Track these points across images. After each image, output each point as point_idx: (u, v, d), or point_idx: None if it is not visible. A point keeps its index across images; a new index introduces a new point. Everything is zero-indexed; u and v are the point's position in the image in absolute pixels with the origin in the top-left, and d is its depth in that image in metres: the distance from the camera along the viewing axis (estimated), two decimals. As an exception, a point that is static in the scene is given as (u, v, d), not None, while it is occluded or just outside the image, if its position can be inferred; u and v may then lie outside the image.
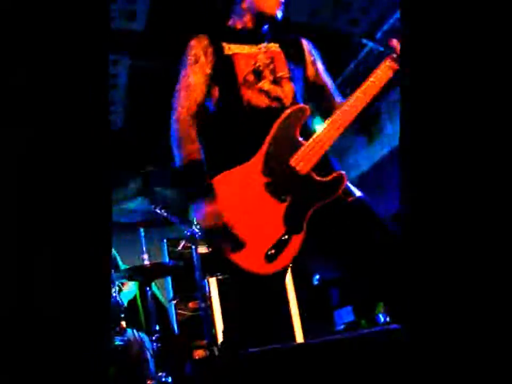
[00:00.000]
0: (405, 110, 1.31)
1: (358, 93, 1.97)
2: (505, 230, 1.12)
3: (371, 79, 1.98)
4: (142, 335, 3.80)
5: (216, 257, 2.04)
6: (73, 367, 1.20)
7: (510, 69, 1.14)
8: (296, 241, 1.88)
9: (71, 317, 1.23)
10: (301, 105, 2.02)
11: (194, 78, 2.08)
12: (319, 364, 1.49)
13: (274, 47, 2.16)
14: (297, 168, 1.92)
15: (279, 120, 1.96)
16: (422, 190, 1.24)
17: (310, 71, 2.25)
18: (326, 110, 2.21)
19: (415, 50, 1.27)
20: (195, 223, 3.36)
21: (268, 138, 1.95)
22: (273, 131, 1.95)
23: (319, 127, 1.99)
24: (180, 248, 4.80)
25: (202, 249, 4.27)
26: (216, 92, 2.10)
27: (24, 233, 1.22)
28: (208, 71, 2.10)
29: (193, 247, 3.81)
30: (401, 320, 1.84)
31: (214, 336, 3.94)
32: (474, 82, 1.19)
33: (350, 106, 1.96)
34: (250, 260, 1.87)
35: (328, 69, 2.32)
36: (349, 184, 2.03)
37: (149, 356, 3.57)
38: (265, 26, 2.18)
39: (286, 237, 1.87)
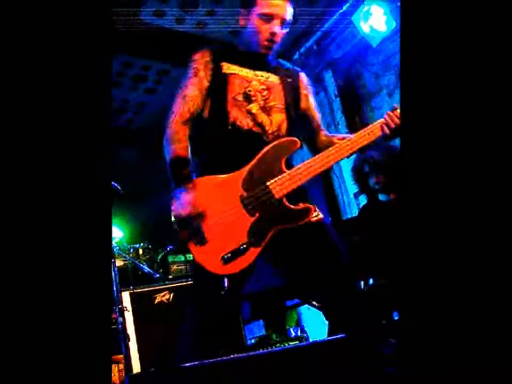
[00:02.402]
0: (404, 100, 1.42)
1: (347, 141, 2.20)
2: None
3: (365, 131, 2.20)
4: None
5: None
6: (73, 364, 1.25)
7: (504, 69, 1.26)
8: (252, 254, 2.08)
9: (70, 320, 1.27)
10: (294, 138, 2.21)
11: (191, 90, 2.29)
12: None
13: (273, 77, 2.36)
14: (273, 191, 2.11)
15: (270, 145, 2.17)
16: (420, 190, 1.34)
17: (303, 104, 2.45)
18: (310, 142, 2.48)
19: (414, 47, 1.37)
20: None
21: (256, 158, 2.15)
22: (262, 153, 2.16)
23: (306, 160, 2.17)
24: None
25: (119, 263, 4.24)
26: (209, 103, 2.31)
27: (24, 229, 1.25)
28: (206, 84, 2.30)
29: (112, 261, 3.79)
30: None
31: (128, 349, 3.90)
32: (471, 78, 1.30)
33: (337, 150, 2.17)
34: (207, 256, 2.08)
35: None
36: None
37: None
38: (267, 56, 2.37)
39: (245, 246, 2.06)
